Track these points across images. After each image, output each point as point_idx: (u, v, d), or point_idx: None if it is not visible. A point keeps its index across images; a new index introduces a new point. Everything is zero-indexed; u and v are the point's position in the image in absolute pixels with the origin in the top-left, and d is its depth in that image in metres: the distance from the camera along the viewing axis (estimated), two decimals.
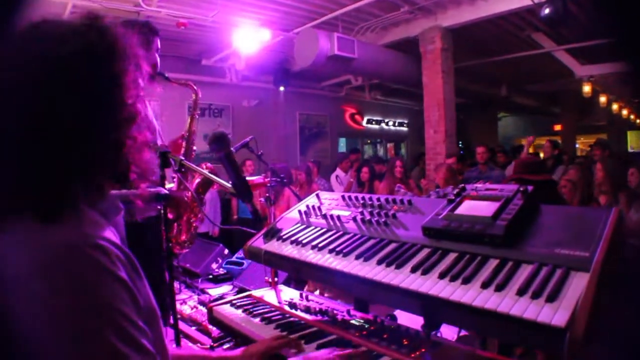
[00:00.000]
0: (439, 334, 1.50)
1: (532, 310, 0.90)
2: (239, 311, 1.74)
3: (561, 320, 0.86)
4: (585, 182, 3.60)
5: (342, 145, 11.84)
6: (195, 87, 2.66)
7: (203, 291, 2.97)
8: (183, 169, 1.71)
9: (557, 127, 15.18)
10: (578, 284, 0.93)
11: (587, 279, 0.93)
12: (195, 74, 8.25)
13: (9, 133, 0.71)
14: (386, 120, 12.83)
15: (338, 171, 7.50)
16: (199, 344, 2.17)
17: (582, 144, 14.51)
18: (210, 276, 3.24)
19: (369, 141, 13.04)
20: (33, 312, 0.67)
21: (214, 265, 3.34)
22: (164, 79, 2.42)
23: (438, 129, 6.56)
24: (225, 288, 3.06)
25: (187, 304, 2.67)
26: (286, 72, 8.86)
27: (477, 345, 1.47)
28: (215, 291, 2.98)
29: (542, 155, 7.41)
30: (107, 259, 0.72)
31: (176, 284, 3.16)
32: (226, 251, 3.50)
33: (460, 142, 9.34)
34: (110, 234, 0.79)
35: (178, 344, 1.87)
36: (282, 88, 9.17)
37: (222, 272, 3.26)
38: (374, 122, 12.50)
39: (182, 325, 2.50)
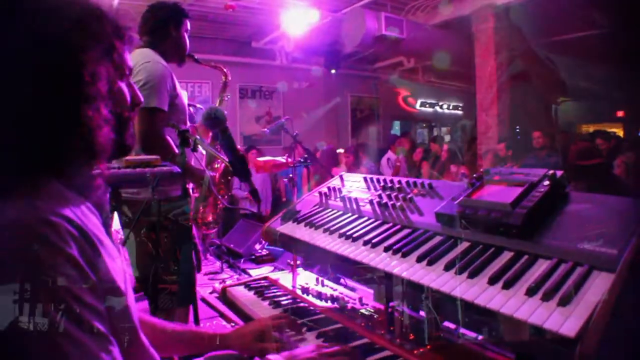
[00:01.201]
0: (460, 331, 1.38)
1: (540, 315, 0.77)
2: (251, 293, 1.70)
3: (572, 329, 0.72)
4: None
5: (397, 128, 11.58)
6: (225, 70, 2.59)
7: (244, 271, 2.98)
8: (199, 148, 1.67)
9: (620, 114, 13.90)
10: (599, 287, 0.78)
11: (610, 281, 0.78)
12: (246, 56, 8.31)
13: None
14: (440, 104, 12.36)
15: (389, 153, 7.39)
16: (232, 324, 2.17)
17: None
18: (253, 257, 3.24)
19: (424, 125, 12.65)
20: None
21: (257, 246, 3.33)
22: (193, 61, 2.39)
23: (490, 113, 6.18)
24: (266, 269, 3.05)
25: (226, 283, 2.67)
26: (337, 54, 8.69)
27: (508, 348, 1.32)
28: (256, 272, 2.96)
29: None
30: (55, 235, 0.68)
31: (218, 264, 3.19)
32: None
33: (518, 127, 8.80)
34: (83, 210, 0.76)
35: (197, 322, 1.87)
36: (333, 71, 8.99)
37: (264, 253, 3.25)
38: (427, 105, 12.10)
39: (219, 305, 2.52)
